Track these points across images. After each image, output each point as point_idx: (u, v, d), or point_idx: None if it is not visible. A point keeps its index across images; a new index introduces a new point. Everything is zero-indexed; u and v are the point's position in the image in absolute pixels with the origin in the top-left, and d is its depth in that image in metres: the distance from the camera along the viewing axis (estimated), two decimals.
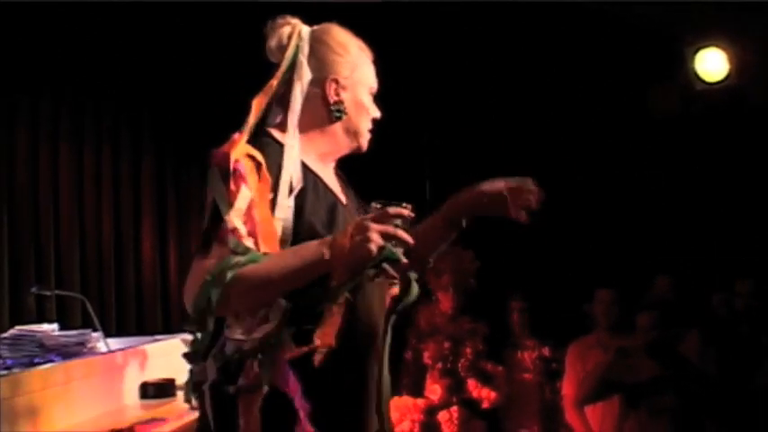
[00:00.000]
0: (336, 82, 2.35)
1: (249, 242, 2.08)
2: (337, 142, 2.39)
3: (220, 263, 2.04)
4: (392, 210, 2.04)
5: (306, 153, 2.31)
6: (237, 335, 2.11)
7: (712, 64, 6.42)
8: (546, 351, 6.19)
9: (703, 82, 6.47)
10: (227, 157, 2.15)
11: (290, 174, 2.20)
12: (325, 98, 2.34)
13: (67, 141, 5.58)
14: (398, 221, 2.06)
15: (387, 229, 2.01)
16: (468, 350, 5.95)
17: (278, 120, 2.38)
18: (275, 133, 2.32)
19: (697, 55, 6.44)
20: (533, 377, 6.17)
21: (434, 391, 5.90)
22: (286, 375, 2.10)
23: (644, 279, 6.50)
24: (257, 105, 2.33)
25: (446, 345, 5.97)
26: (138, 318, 5.91)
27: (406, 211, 2.06)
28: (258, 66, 6.14)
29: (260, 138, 2.27)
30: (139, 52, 6.08)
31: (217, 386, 2.17)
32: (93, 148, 5.76)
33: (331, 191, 2.35)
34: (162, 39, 6.12)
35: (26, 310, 4.96)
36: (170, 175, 6.35)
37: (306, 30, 2.41)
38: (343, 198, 2.40)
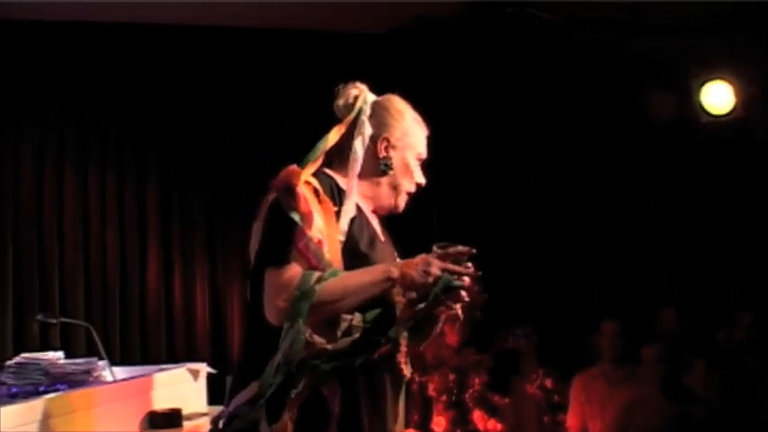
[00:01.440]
0: (388, 141, 2.64)
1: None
2: (380, 193, 2.66)
3: (305, 277, 2.32)
4: (452, 250, 2.37)
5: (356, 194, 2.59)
6: (321, 343, 2.33)
7: (718, 97, 6.43)
8: (548, 383, 6.16)
9: (709, 115, 6.47)
10: (291, 180, 2.40)
11: (353, 202, 2.50)
12: (375, 153, 2.63)
13: (72, 168, 5.59)
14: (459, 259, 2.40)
15: (446, 266, 2.35)
16: (475, 381, 5.94)
17: (333, 163, 2.62)
18: (329, 172, 2.57)
19: (703, 88, 6.45)
20: (534, 408, 6.14)
21: (440, 423, 5.89)
22: (334, 380, 2.36)
23: (647, 311, 6.48)
24: (323, 150, 2.56)
25: (451, 377, 5.97)
26: (143, 346, 5.89)
27: (465, 249, 2.38)
28: (263, 92, 6.16)
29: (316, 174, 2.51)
30: (145, 77, 6.10)
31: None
32: (98, 174, 5.76)
33: (372, 226, 2.61)
34: (168, 64, 6.14)
35: (30, 338, 4.95)
36: (175, 202, 6.33)
37: (371, 96, 2.70)
38: (381, 236, 2.65)
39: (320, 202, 2.41)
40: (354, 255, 2.44)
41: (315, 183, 2.43)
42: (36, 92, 5.62)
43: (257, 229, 2.47)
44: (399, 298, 2.41)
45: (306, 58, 6.26)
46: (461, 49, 6.63)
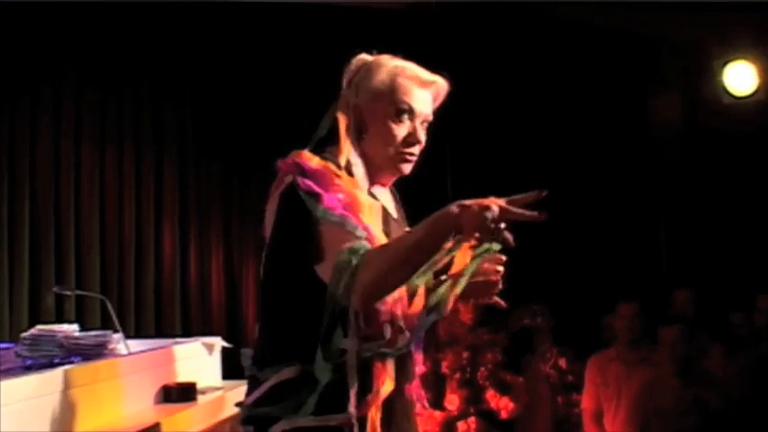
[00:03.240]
0: (359, 107, 2.43)
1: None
2: (373, 162, 2.45)
3: (343, 252, 2.15)
4: (520, 198, 2.12)
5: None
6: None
7: (741, 78, 6.38)
8: (563, 363, 6.13)
9: (731, 96, 6.43)
10: (302, 161, 2.28)
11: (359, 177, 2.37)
12: (355, 124, 2.43)
13: (89, 141, 5.58)
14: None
15: (508, 208, 2.08)
16: (488, 360, 5.92)
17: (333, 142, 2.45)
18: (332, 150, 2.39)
19: (725, 68, 6.40)
20: (548, 387, 6.12)
21: (452, 401, 5.87)
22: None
23: (664, 293, 6.45)
24: (323, 128, 2.44)
25: (464, 355, 5.94)
26: (157, 319, 5.88)
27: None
28: (281, 66, 6.13)
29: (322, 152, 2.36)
30: (160, 50, 6.07)
31: None
32: (115, 147, 5.74)
33: (385, 209, 2.44)
34: (186, 37, 6.11)
35: (45, 310, 4.95)
36: (192, 175, 6.32)
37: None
38: (394, 212, 2.53)
39: (345, 179, 2.29)
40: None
41: (328, 163, 2.30)
42: (52, 65, 5.59)
43: (270, 212, 2.35)
44: (449, 244, 2.16)
45: (323, 31, 6.23)
46: (478, 28, 6.58)
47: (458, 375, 5.92)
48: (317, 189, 2.24)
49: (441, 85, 2.49)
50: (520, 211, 2.08)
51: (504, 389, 5.89)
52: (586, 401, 5.83)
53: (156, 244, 5.96)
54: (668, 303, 6.26)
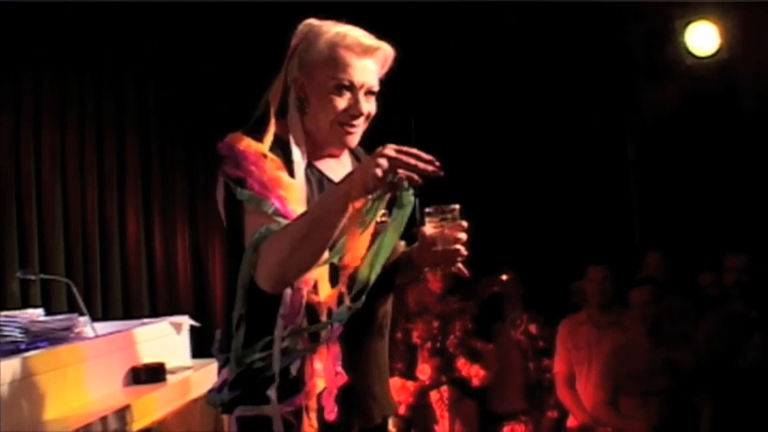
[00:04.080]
0: (300, 80, 2.38)
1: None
2: (316, 136, 2.40)
3: (256, 233, 2.14)
4: (414, 150, 2.05)
5: (310, 151, 2.38)
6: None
7: (703, 38, 6.39)
8: (533, 329, 6.15)
9: (694, 56, 6.44)
10: (230, 143, 2.29)
11: (298, 152, 2.33)
12: (296, 97, 2.39)
13: (50, 122, 5.48)
14: (449, 216, 2.32)
15: (400, 157, 2.03)
16: (457, 328, 5.92)
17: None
18: (271, 127, 2.35)
19: (687, 29, 6.41)
20: (519, 354, 6.13)
21: (424, 371, 5.89)
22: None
23: (635, 256, 6.47)
24: (263, 104, 2.41)
25: (435, 324, 5.95)
26: (125, 301, 5.83)
27: (462, 223, 2.32)
28: (240, 45, 6.06)
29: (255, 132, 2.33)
30: (121, 31, 5.97)
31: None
32: (77, 127, 5.65)
33: (326, 177, 2.40)
34: (143, 17, 6.01)
35: (10, 296, 4.88)
36: (155, 154, 6.25)
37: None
38: None
39: (267, 160, 2.24)
40: None
41: (256, 145, 2.27)
42: (10, 48, 5.49)
43: (219, 197, 2.34)
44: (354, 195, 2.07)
45: (284, 11, 6.14)
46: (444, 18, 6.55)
47: (428, 345, 5.94)
48: (239, 173, 2.22)
49: (387, 50, 2.41)
50: (413, 161, 2.03)
51: (475, 357, 5.91)
52: (558, 366, 5.85)
53: (120, 225, 5.88)
54: (639, 266, 6.28)
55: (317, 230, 2.08)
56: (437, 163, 2.04)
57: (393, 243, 2.26)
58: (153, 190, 6.21)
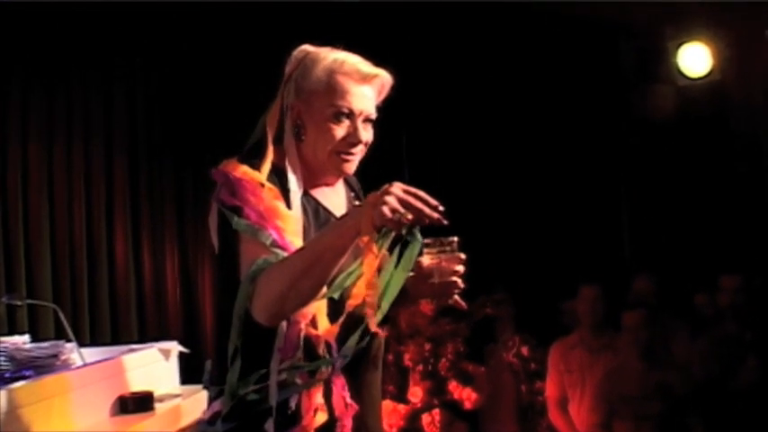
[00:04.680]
0: (297, 108, 2.35)
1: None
2: (313, 164, 2.37)
3: (253, 265, 2.10)
4: (421, 193, 2.00)
5: (305, 179, 2.35)
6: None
7: (695, 59, 6.40)
8: (525, 351, 6.12)
9: (686, 77, 6.45)
10: (225, 170, 2.23)
11: (294, 181, 2.29)
12: (293, 124, 2.35)
13: (37, 142, 5.44)
14: (447, 248, 2.30)
15: (408, 198, 1.97)
16: (449, 350, 5.90)
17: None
18: (269, 155, 2.31)
19: (680, 50, 6.42)
20: (511, 376, 6.11)
21: (416, 393, 5.86)
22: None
23: (626, 277, 6.45)
24: (260, 130, 2.37)
25: (427, 346, 5.93)
26: (113, 325, 5.77)
27: (461, 255, 2.29)
28: (229, 60, 6.00)
29: (251, 159, 2.29)
30: (109, 47, 5.94)
31: None
32: (64, 149, 5.61)
33: (322, 206, 2.39)
34: (132, 33, 5.97)
35: None
36: (143, 177, 6.20)
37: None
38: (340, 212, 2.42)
39: (265, 189, 2.21)
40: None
41: (252, 173, 2.22)
42: None
43: (213, 222, 2.29)
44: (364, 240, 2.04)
45: (275, 26, 6.12)
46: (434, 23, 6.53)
47: (420, 367, 5.91)
48: (235, 202, 2.18)
49: (384, 77, 2.39)
50: (420, 204, 1.98)
51: (466, 379, 5.89)
52: (550, 389, 5.82)
53: (108, 248, 5.84)
54: (630, 288, 6.25)
55: (318, 266, 2.03)
56: (441, 209, 2.00)
57: (401, 282, 2.21)
58: (141, 213, 6.16)
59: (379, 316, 2.18)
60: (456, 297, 2.38)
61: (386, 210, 1.95)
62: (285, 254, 2.11)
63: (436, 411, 5.84)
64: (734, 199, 6.81)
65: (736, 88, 6.62)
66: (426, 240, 2.27)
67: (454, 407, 5.89)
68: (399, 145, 6.70)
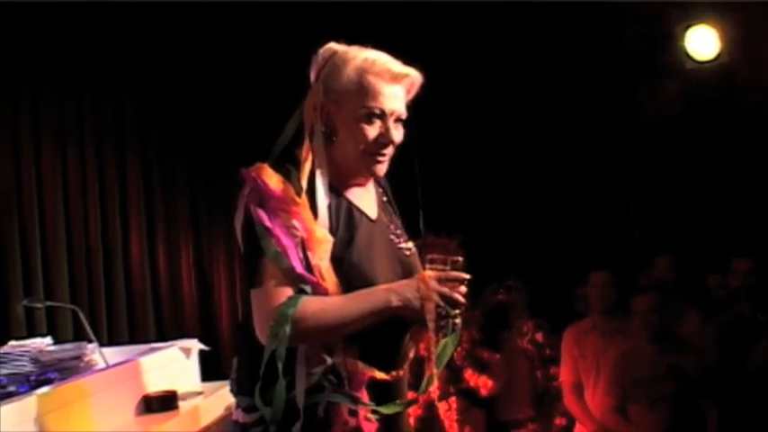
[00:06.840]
0: (327, 108, 2.34)
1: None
2: (344, 165, 2.37)
3: (282, 307, 2.15)
4: (453, 274, 2.25)
5: (337, 180, 2.36)
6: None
7: (703, 42, 6.38)
8: (539, 337, 6.14)
9: (694, 61, 6.43)
10: (259, 178, 2.22)
11: (322, 188, 2.28)
12: (323, 125, 2.34)
13: (50, 147, 5.47)
14: (450, 267, 2.32)
15: (444, 291, 2.22)
16: (464, 339, 5.90)
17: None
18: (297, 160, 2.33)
19: (687, 33, 6.40)
20: (526, 362, 6.12)
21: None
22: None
23: (639, 261, 6.45)
24: (289, 131, 2.38)
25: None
26: (131, 324, 5.82)
27: (464, 276, 2.29)
28: (240, 60, 6.00)
29: (285, 164, 2.30)
30: (120, 49, 5.96)
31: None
32: (77, 151, 5.64)
33: (361, 211, 2.40)
34: (143, 35, 6.00)
35: (15, 321, 4.88)
36: (157, 175, 6.23)
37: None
38: (373, 212, 2.45)
39: (295, 203, 2.22)
40: (340, 246, 2.27)
41: (287, 186, 2.23)
42: (8, 66, 5.47)
43: (238, 223, 2.29)
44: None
45: (287, 24, 6.13)
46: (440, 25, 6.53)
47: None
48: (268, 224, 2.19)
49: (414, 76, 2.40)
50: (449, 292, 2.24)
51: (482, 367, 5.89)
52: (565, 374, 5.83)
53: (123, 248, 5.88)
54: (643, 271, 6.26)
55: (351, 325, 2.21)
56: (467, 277, 2.27)
57: (452, 352, 2.46)
58: (155, 211, 6.21)
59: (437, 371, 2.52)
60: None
61: (425, 305, 2.22)
62: (308, 288, 2.19)
63: (453, 399, 5.85)
64: (743, 181, 6.81)
65: (744, 71, 6.61)
66: (431, 256, 2.32)
67: (470, 394, 5.89)
68: (410, 133, 6.70)
